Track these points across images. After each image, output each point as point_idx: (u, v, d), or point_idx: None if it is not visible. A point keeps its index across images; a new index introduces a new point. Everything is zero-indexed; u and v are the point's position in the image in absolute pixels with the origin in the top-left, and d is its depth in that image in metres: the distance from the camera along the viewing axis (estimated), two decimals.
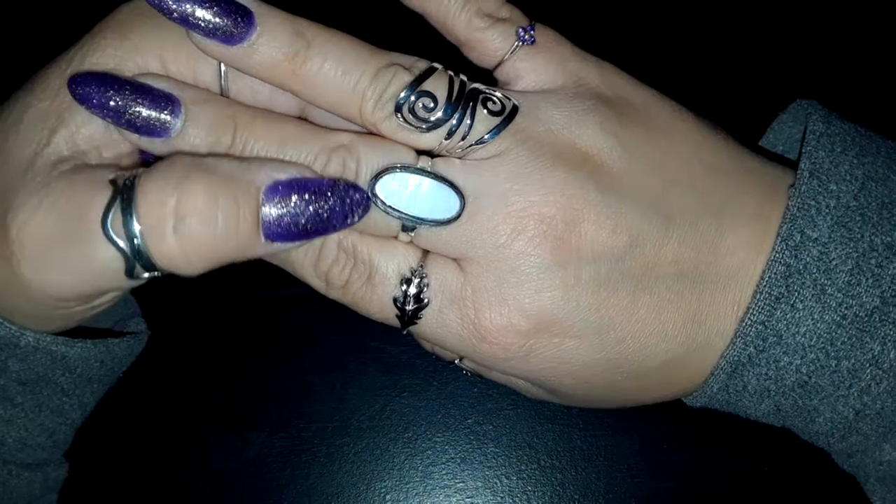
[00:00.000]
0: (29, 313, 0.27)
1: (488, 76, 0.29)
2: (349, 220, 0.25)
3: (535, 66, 0.28)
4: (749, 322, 0.27)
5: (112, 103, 0.24)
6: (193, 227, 0.23)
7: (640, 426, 0.41)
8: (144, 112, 0.24)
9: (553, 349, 0.27)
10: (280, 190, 0.24)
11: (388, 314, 0.27)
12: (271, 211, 0.24)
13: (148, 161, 0.27)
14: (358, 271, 0.27)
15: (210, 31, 0.24)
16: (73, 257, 0.24)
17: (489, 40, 0.28)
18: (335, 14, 0.28)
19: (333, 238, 0.27)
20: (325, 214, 0.24)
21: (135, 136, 0.25)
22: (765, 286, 0.26)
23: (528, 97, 0.27)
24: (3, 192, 0.25)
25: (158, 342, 0.34)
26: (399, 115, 0.26)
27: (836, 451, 0.29)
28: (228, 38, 0.25)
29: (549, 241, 0.26)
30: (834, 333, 0.26)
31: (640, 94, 0.28)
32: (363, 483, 0.42)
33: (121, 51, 0.26)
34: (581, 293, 0.26)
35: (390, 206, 0.25)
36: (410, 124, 0.26)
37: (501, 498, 0.42)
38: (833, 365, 0.26)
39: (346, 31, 0.26)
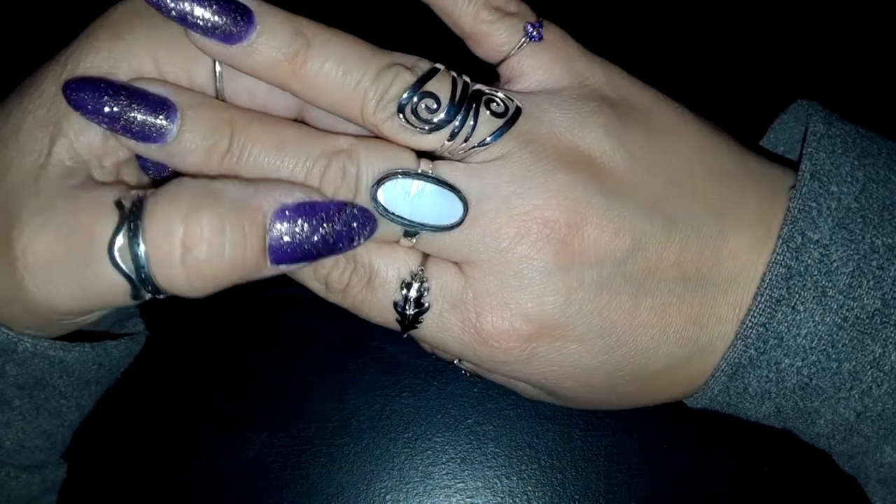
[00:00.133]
0: (29, 321, 0.26)
1: (486, 75, 0.28)
2: (355, 243, 0.25)
3: (541, 64, 0.28)
4: (750, 324, 0.27)
5: (107, 109, 0.24)
6: (201, 258, 0.23)
7: (640, 426, 0.41)
8: (140, 117, 0.24)
9: (555, 353, 0.27)
10: (287, 215, 0.24)
11: (389, 318, 0.27)
12: (278, 236, 0.24)
13: (146, 167, 0.27)
14: (358, 275, 0.27)
15: (209, 30, 0.24)
16: (79, 278, 0.24)
17: (496, 34, 0.28)
18: (335, 13, 0.28)
19: None
20: (332, 238, 0.24)
21: (131, 142, 0.25)
22: (766, 288, 0.26)
23: (530, 98, 0.27)
24: (6, 203, 0.25)
25: (158, 343, 0.34)
26: (401, 116, 0.25)
27: (837, 452, 0.29)
28: (227, 36, 0.24)
29: (552, 245, 0.26)
30: (835, 335, 0.26)
31: (644, 95, 0.28)
32: (363, 483, 0.42)
33: (115, 53, 0.25)
34: (584, 297, 0.26)
35: (393, 213, 0.25)
36: (413, 125, 0.25)
37: (501, 498, 0.42)
38: (834, 367, 0.26)
39: (346, 31, 0.26)
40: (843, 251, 0.26)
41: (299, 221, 0.24)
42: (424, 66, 0.26)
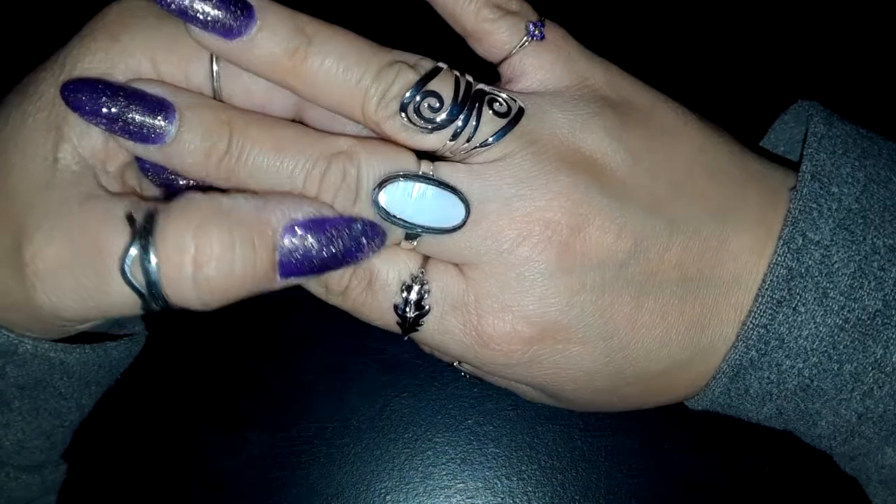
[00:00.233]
0: (32, 325, 0.26)
1: (487, 75, 0.28)
2: (363, 257, 0.25)
3: (542, 64, 0.28)
4: (751, 326, 0.26)
5: (105, 110, 0.24)
6: (211, 274, 0.23)
7: (640, 427, 0.41)
8: (138, 118, 0.24)
9: (556, 355, 0.27)
10: (297, 230, 0.24)
11: (389, 321, 0.27)
12: (288, 251, 0.24)
13: (145, 169, 0.27)
14: (358, 277, 0.27)
15: (208, 24, 0.24)
16: (88, 288, 0.24)
17: (497, 32, 0.27)
18: (336, 11, 0.28)
19: None
20: (341, 253, 0.24)
21: (130, 143, 0.25)
22: (767, 290, 0.26)
23: (533, 99, 0.27)
24: (12, 208, 0.25)
25: (158, 343, 0.34)
26: (403, 115, 0.25)
27: (839, 454, 0.29)
28: (227, 31, 0.24)
29: (553, 247, 0.26)
30: (836, 337, 0.26)
31: (645, 96, 0.28)
32: (363, 483, 0.42)
33: (112, 53, 0.25)
34: (586, 299, 0.26)
35: (394, 217, 0.25)
36: (415, 125, 0.25)
37: (502, 499, 0.42)
38: (835, 368, 0.26)
39: (348, 29, 0.26)
40: (844, 252, 0.26)
41: (309, 236, 0.24)
42: (427, 64, 0.26)
